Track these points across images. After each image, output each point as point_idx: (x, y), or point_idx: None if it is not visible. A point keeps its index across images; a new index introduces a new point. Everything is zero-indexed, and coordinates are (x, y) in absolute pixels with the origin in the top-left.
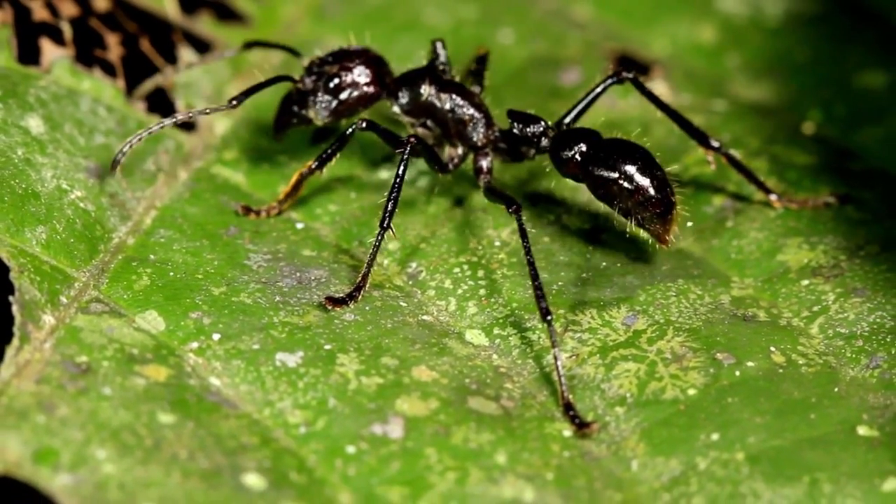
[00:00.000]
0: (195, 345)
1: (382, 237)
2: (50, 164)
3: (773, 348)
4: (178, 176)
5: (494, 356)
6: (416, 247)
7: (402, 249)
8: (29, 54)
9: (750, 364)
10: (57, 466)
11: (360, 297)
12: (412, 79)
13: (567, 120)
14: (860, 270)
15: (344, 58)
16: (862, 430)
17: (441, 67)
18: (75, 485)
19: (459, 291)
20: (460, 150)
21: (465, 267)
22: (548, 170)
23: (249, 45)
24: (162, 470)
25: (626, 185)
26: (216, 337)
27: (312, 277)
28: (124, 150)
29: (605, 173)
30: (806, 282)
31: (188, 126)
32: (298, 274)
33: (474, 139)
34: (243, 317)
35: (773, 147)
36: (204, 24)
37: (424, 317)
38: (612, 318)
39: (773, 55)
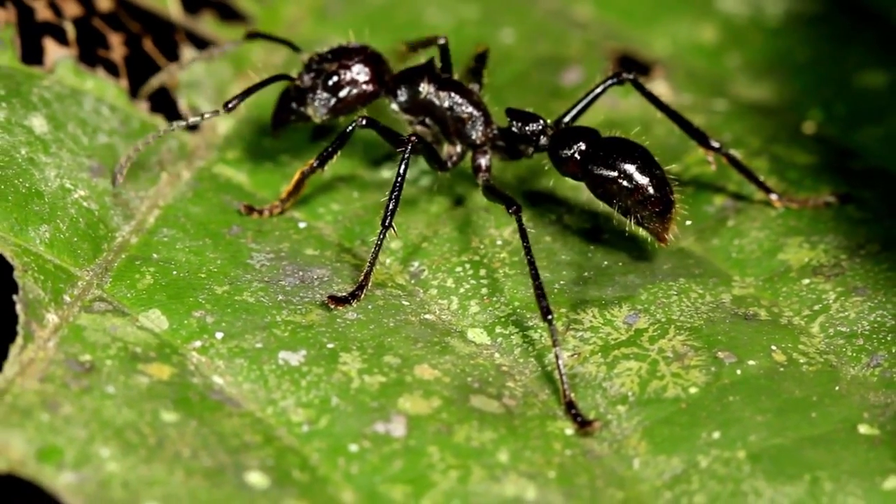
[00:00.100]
0: (198, 343)
1: (384, 236)
2: (53, 163)
3: (774, 347)
4: (181, 175)
5: (496, 355)
6: (419, 246)
7: (404, 248)
8: (32, 54)
9: (751, 363)
10: (61, 464)
11: (362, 295)
12: (411, 77)
13: (566, 119)
14: (861, 269)
15: (343, 55)
16: (863, 429)
17: (441, 66)
18: (79, 483)
19: (461, 290)
20: (459, 148)
21: (468, 266)
22: (546, 168)
23: (251, 37)
24: (165, 468)
25: (625, 183)
26: (219, 335)
27: (315, 276)
28: (123, 164)
29: (605, 172)
30: (807, 281)
31: (191, 126)
32: (301, 273)
33: (473, 137)
34: (246, 315)
35: (774, 147)
36: (206, 24)
37: (427, 315)
38: (613, 317)
39: (774, 55)
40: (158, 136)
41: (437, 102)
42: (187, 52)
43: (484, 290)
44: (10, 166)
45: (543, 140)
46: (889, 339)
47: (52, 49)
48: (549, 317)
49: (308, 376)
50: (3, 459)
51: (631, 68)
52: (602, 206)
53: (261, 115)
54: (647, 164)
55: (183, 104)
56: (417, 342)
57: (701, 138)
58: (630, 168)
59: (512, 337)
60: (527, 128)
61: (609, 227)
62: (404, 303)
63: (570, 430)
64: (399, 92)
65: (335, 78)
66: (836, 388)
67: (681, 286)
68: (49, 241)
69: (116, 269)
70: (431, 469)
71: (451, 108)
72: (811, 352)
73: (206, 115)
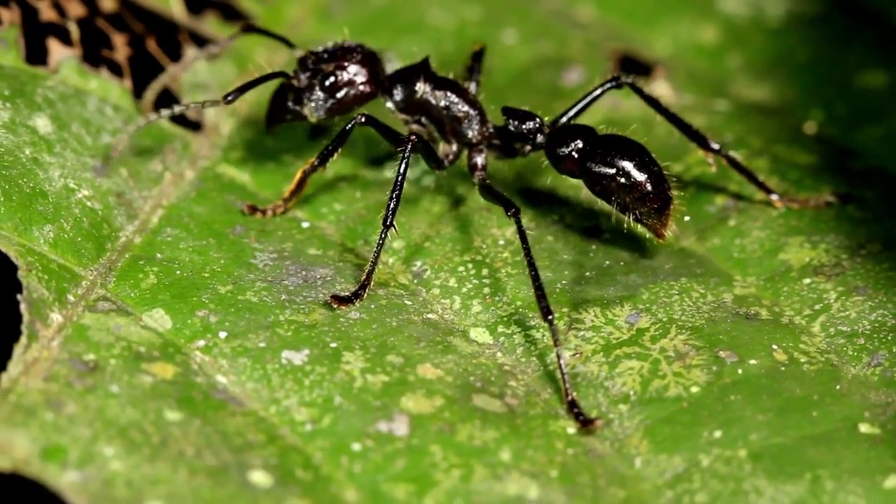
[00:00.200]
0: (202, 343)
1: (385, 235)
2: (57, 163)
3: (775, 346)
4: (184, 175)
5: (499, 354)
6: (421, 245)
7: (406, 248)
8: (36, 54)
9: (752, 362)
10: (65, 463)
11: (365, 295)
12: (406, 76)
13: (563, 121)
14: (861, 269)
15: (339, 55)
16: (863, 428)
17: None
18: (83, 482)
19: (464, 290)
20: (455, 147)
21: (470, 265)
22: (544, 166)
23: (247, 30)
24: (169, 467)
25: (623, 180)
26: (222, 335)
27: (318, 276)
28: (123, 139)
29: (603, 169)
30: (808, 280)
31: (194, 126)
32: (304, 272)
33: (469, 136)
34: (249, 315)
35: (775, 147)
36: (210, 25)
37: (429, 315)
38: (615, 317)
39: (775, 55)
40: (155, 119)
41: (432, 101)
42: (190, 52)
43: (486, 290)
44: (15, 166)
45: (540, 138)
46: (890, 338)
47: (55, 49)
48: (550, 317)
49: (311, 375)
50: (7, 458)
51: (632, 69)
52: (600, 203)
53: (263, 116)
54: (645, 160)
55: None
56: (420, 341)
57: (700, 140)
58: (628, 165)
59: (514, 336)
60: (523, 126)
61: (610, 226)
62: (407, 302)
63: (572, 429)
64: (395, 91)
65: (332, 78)
66: (837, 387)
67: (682, 286)
68: (53, 241)
69: (120, 268)
70: (434, 468)
71: (446, 107)
72: (812, 351)
73: (207, 103)
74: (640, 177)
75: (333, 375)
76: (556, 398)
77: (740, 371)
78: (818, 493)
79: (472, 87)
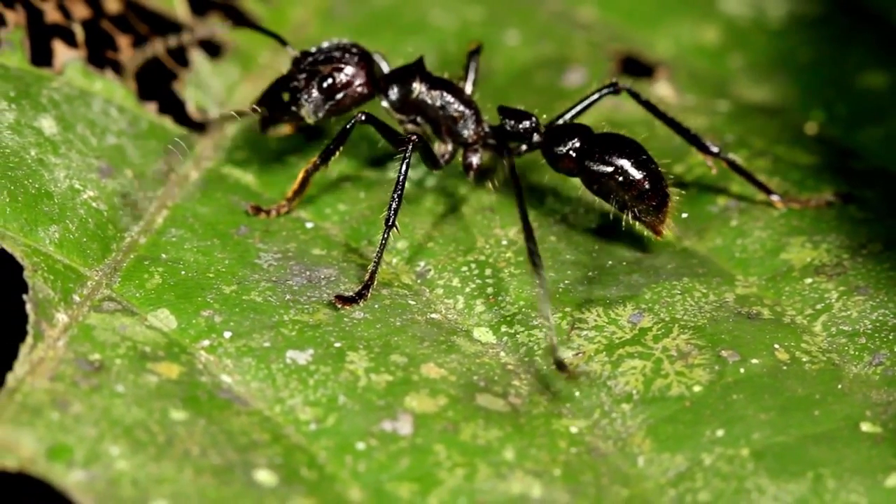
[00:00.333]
0: (207, 342)
1: (388, 235)
2: (63, 164)
3: (777, 346)
4: (189, 176)
5: (502, 354)
6: (424, 245)
7: (410, 248)
8: (42, 56)
9: (754, 361)
10: (71, 463)
11: (368, 295)
12: (402, 76)
13: (559, 123)
14: (863, 269)
15: (334, 55)
16: (865, 427)
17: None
18: (89, 481)
19: (467, 290)
20: (450, 147)
21: (473, 265)
22: (541, 164)
23: (239, 24)
24: (174, 466)
25: (621, 178)
26: (227, 335)
27: (322, 276)
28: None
29: (601, 168)
30: (809, 280)
31: (199, 127)
32: (308, 272)
33: (464, 135)
34: (254, 315)
35: (777, 147)
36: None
37: (433, 315)
38: (618, 316)
39: (776, 56)
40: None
41: (428, 101)
42: (195, 53)
43: (489, 290)
44: (20, 167)
45: (536, 137)
46: (891, 337)
47: (61, 51)
48: (536, 259)
49: (315, 375)
50: (13, 458)
51: (634, 70)
52: (598, 201)
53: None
54: (642, 158)
55: (191, 105)
56: (424, 341)
57: (699, 144)
58: (626, 163)
59: (517, 336)
60: (519, 125)
61: (614, 227)
62: (410, 302)
63: (574, 429)
64: (390, 91)
65: (329, 80)
66: (839, 386)
67: (684, 285)
68: (58, 242)
69: (125, 268)
70: (438, 467)
71: (442, 107)
72: (814, 350)
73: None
74: (637, 175)
75: (338, 375)
76: (560, 397)
77: (742, 370)
78: (820, 491)
79: (468, 87)
